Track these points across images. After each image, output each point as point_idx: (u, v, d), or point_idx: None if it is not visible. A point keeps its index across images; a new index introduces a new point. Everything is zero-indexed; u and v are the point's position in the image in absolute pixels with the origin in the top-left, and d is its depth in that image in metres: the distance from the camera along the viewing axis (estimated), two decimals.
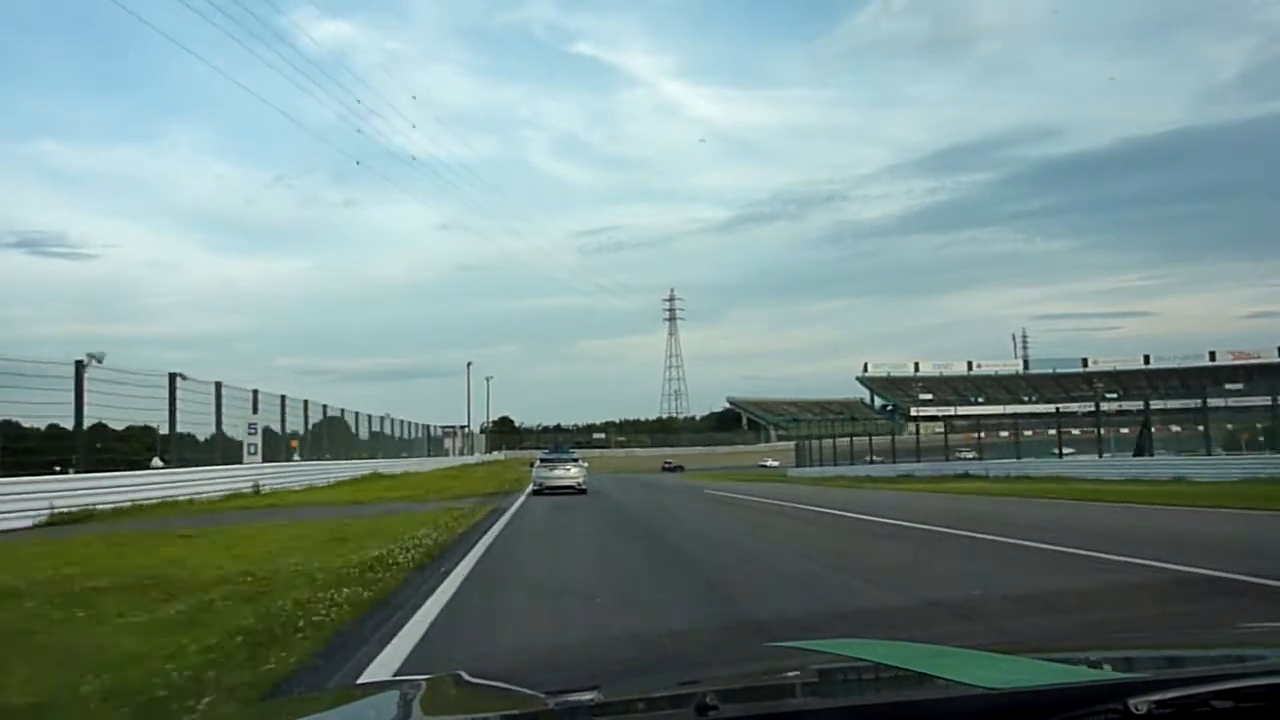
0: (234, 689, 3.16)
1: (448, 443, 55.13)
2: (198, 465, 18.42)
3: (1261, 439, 29.29)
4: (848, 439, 48.15)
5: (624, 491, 25.34)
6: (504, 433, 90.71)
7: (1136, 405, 74.39)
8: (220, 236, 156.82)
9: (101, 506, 13.84)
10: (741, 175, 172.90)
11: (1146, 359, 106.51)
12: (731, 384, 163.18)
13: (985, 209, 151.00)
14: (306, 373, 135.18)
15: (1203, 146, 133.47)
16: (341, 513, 13.79)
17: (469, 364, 66.89)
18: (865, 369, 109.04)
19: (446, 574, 6.49)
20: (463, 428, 62.30)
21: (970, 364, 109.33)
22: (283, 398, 24.00)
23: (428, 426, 49.06)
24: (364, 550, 7.57)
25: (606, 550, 9.76)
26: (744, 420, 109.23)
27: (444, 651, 4.00)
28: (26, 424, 16.31)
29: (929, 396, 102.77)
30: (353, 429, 33.84)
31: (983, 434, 41.82)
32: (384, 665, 3.68)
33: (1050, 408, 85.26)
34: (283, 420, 24.04)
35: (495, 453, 71.96)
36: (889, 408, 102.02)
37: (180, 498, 16.01)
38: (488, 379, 71.24)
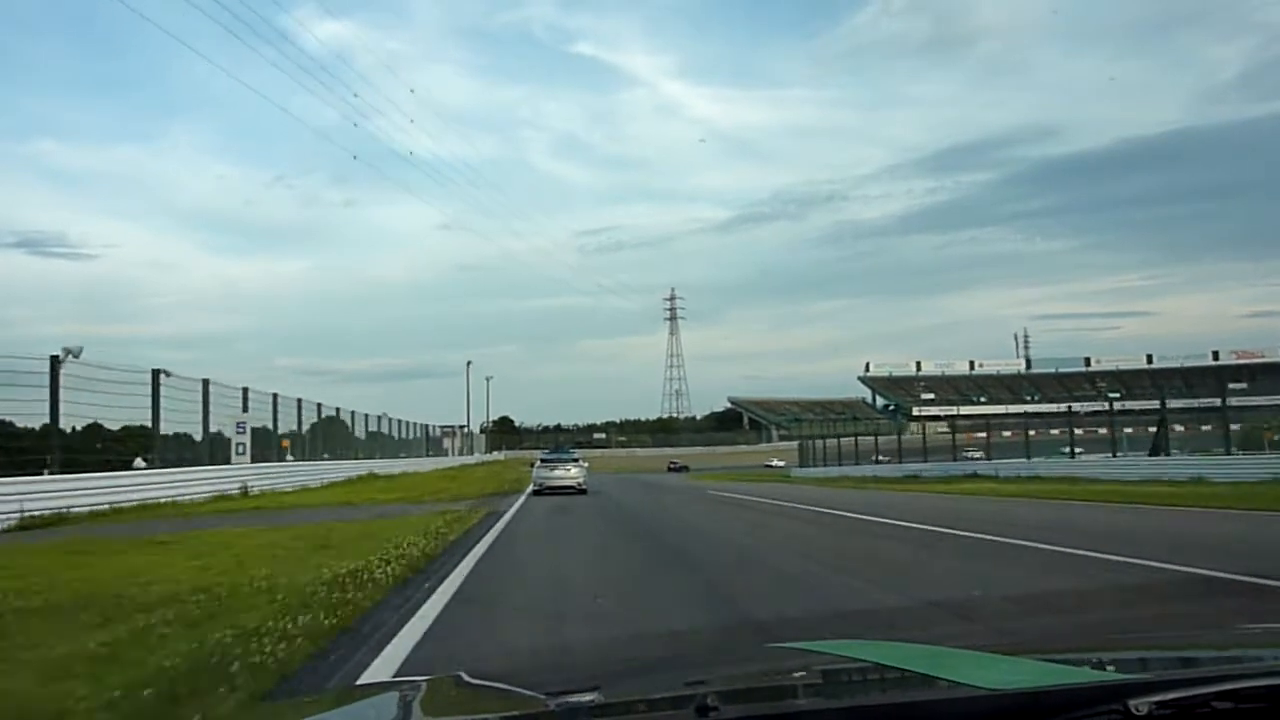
0: None
1: (447, 443, 54.48)
2: (184, 466, 17.71)
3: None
4: (852, 439, 47.52)
5: (625, 492, 24.69)
6: (504, 433, 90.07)
7: (1140, 405, 74.41)
8: (220, 236, 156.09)
9: (77, 509, 13.10)
10: (741, 175, 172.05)
11: (1149, 358, 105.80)
12: (732, 384, 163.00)
13: (985, 209, 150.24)
14: (307, 373, 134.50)
15: (1203, 146, 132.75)
16: (329, 516, 13.07)
17: (469, 363, 66.18)
18: (867, 368, 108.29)
19: (432, 591, 5.75)
20: (462, 428, 61.63)
21: (972, 364, 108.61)
22: (274, 396, 23.29)
23: (426, 426, 48.44)
24: (345, 560, 6.85)
25: (608, 558, 9.26)
26: (745, 420, 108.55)
27: None
28: (20, 424, 15.68)
29: (931, 396, 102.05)
30: (349, 429, 33.24)
31: (988, 434, 41.18)
32: None
33: (1054, 407, 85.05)
34: (274, 419, 23.33)
35: (495, 453, 71.30)
36: (891, 407, 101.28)
37: (162, 500, 15.28)
38: (487, 379, 70.66)
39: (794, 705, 1.31)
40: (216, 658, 3.36)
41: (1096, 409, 72.93)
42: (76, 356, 14.31)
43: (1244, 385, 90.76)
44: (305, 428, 26.94)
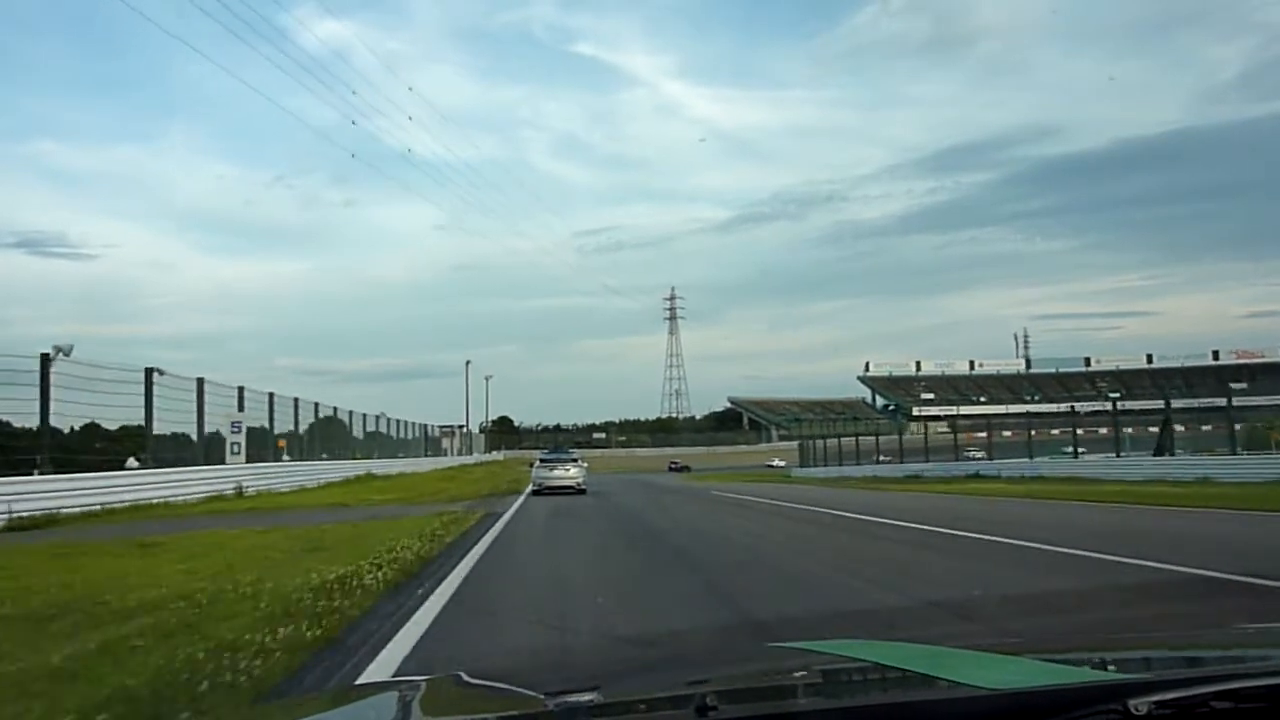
0: None
1: (445, 443, 54.24)
2: (178, 466, 17.47)
3: None
4: (852, 439, 47.29)
5: (626, 493, 24.43)
6: (503, 433, 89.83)
7: (1141, 405, 74.18)
8: (220, 237, 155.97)
9: (67, 511, 12.87)
10: (741, 175, 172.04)
11: (1149, 358, 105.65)
12: (732, 384, 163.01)
13: (985, 209, 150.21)
14: (307, 373, 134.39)
15: (1203, 146, 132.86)
16: (324, 517, 12.82)
17: (468, 363, 65.84)
18: (867, 368, 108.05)
19: (424, 597, 5.48)
20: (461, 428, 61.35)
21: (972, 363, 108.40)
22: (270, 395, 23.07)
23: (425, 426, 48.21)
24: (336, 563, 6.61)
25: (607, 558, 9.04)
26: (745, 420, 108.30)
27: None
28: (18, 424, 15.41)
29: (931, 396, 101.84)
30: (347, 429, 33.02)
31: (989, 434, 40.95)
32: None
33: (1055, 407, 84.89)
34: (270, 419, 23.10)
35: (494, 453, 71.05)
36: (891, 407, 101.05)
37: (154, 501, 15.05)
38: (487, 378, 70.34)
39: (794, 705, 1.30)
40: (186, 675, 3.12)
41: (1097, 409, 72.80)
42: (67, 355, 14.07)
43: (1244, 385, 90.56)
44: (303, 428, 26.70)
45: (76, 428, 16.54)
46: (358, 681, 3.41)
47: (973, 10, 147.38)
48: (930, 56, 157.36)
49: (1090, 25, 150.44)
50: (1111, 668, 1.48)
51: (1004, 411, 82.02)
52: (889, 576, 6.82)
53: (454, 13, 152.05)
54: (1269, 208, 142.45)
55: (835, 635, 3.82)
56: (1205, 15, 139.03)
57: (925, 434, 43.14)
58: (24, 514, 11.96)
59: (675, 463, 77.66)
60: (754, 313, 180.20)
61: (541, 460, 24.54)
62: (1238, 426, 31.63)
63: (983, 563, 7.53)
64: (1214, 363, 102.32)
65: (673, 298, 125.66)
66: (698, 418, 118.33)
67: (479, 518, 13.56)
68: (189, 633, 3.92)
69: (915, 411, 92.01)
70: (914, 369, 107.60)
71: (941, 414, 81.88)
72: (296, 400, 25.27)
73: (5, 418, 15.67)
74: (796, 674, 1.59)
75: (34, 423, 14.41)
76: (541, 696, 1.36)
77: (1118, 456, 30.49)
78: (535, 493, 22.24)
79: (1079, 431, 37.46)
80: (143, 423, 16.79)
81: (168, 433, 18.65)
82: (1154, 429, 33.43)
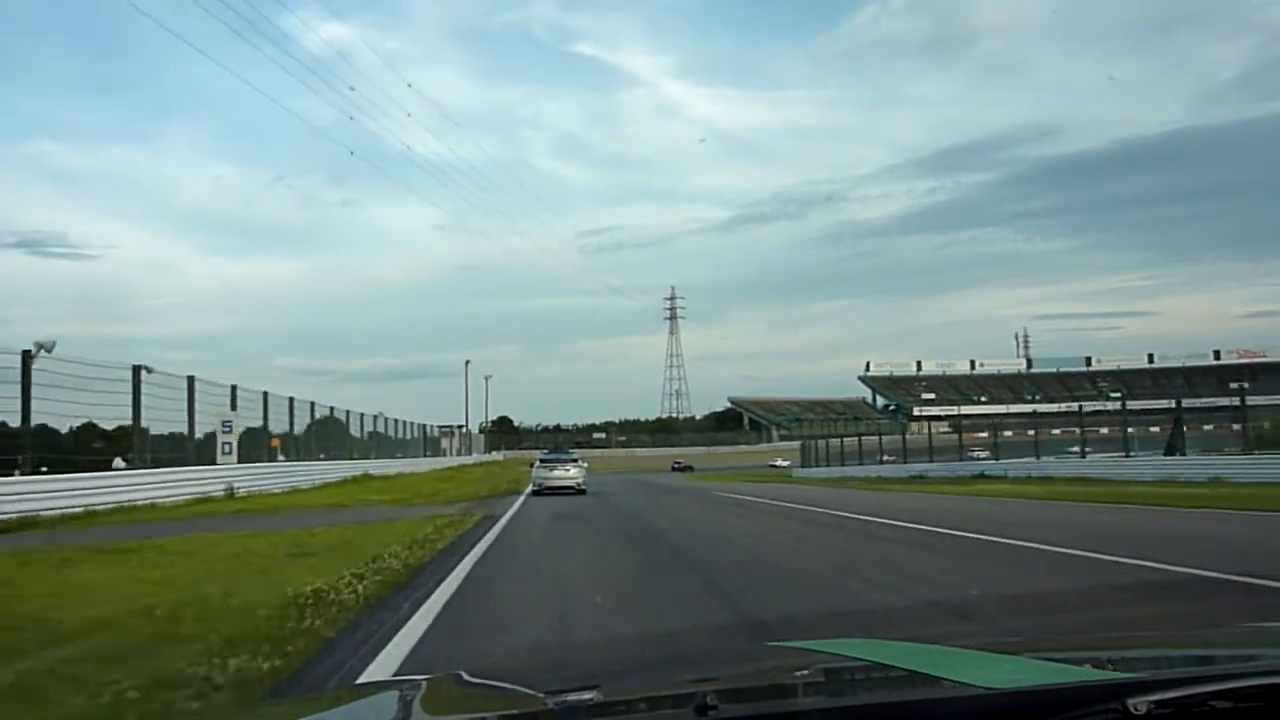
0: None
1: (445, 443, 53.81)
2: (169, 466, 16.99)
3: None
4: (855, 439, 46.88)
5: (627, 493, 24.00)
6: (503, 433, 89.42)
7: (1143, 404, 73.80)
8: (220, 237, 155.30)
9: (48, 513, 12.36)
10: (741, 175, 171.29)
11: (1150, 358, 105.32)
12: (732, 384, 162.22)
13: (985, 209, 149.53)
14: (306, 373, 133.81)
15: (1203, 146, 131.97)
16: (315, 520, 12.33)
17: (467, 363, 65.40)
18: (867, 368, 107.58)
19: (408, 616, 4.98)
20: (460, 427, 60.90)
21: (973, 363, 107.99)
22: (265, 394, 22.58)
23: (424, 426, 47.79)
24: (318, 573, 6.11)
25: (606, 559, 8.81)
26: (745, 420, 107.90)
27: None
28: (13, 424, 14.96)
29: (932, 396, 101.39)
30: (345, 428, 32.57)
31: (992, 434, 40.52)
32: None
33: (1057, 407, 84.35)
34: (265, 418, 22.61)
35: (494, 453, 70.60)
36: (891, 407, 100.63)
37: (140, 502, 14.56)
38: (486, 378, 69.92)
39: (794, 704, 1.29)
40: None
41: (1098, 409, 72.31)
42: (49, 351, 13.59)
43: (1245, 385, 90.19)
44: (300, 427, 26.24)
45: (75, 428, 16.13)
46: (358, 681, 3.38)
47: (973, 10, 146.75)
48: (930, 56, 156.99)
49: (1090, 25, 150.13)
50: (1110, 667, 1.46)
51: (1005, 411, 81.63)
52: (887, 576, 6.86)
53: (454, 13, 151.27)
54: (1269, 208, 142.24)
55: (834, 634, 3.78)
56: (1205, 15, 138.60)
57: (929, 434, 42.69)
58: (1, 516, 11.48)
59: (679, 463, 77.42)
60: (754, 313, 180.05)
61: (541, 460, 24.41)
62: (1236, 426, 31.27)
63: (980, 563, 7.59)
64: (1215, 362, 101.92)
65: (673, 298, 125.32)
66: (698, 418, 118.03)
67: (476, 520, 13.09)
68: (132, 660, 3.42)
69: (916, 411, 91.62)
70: (915, 369, 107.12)
71: (943, 414, 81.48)
72: (292, 399, 24.78)
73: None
74: (796, 673, 1.59)
75: (17, 421, 13.99)
76: (541, 696, 1.36)
77: (1127, 456, 30.03)
78: (535, 493, 22.07)
79: (1076, 431, 37.08)
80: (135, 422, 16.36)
81: (164, 433, 18.24)
82: (1156, 429, 33.07)
